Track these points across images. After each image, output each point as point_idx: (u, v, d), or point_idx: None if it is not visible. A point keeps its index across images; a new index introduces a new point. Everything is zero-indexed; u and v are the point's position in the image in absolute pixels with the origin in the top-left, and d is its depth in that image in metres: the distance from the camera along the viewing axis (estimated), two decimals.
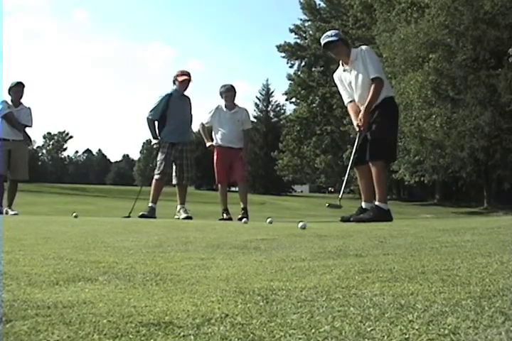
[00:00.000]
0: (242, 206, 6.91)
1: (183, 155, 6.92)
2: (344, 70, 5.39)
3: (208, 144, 7.17)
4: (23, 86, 7.88)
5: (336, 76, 5.54)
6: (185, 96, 7.13)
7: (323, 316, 1.13)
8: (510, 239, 2.48)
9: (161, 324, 1.08)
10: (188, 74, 7.11)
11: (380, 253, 2.21)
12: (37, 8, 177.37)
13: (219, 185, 7.11)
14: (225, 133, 7.00)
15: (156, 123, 7.01)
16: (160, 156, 6.89)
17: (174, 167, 6.94)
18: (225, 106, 7.15)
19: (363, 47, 5.45)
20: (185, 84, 7.04)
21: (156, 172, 6.86)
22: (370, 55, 5.26)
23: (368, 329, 1.02)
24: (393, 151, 5.47)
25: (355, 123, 5.28)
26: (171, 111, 6.90)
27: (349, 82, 5.33)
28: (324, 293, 1.40)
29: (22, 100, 7.86)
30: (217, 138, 7.08)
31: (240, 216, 6.69)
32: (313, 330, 1.03)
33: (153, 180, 6.93)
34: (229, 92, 7.18)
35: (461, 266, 1.75)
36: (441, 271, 1.66)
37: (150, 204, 6.82)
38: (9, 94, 7.79)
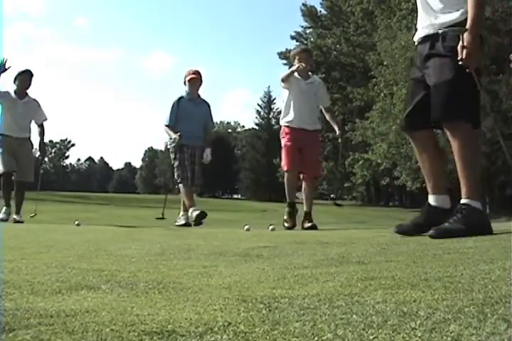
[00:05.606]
0: (305, 210, 5.76)
1: (194, 160, 6.53)
2: None
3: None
4: (32, 74, 7.18)
5: None
6: (200, 99, 6.71)
7: (326, 324, 1.13)
8: None
9: (164, 332, 1.08)
10: (196, 72, 6.63)
11: (383, 260, 2.20)
12: (37, 16, 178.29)
13: (285, 174, 5.76)
14: (299, 111, 5.60)
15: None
16: (176, 163, 6.48)
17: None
18: (298, 74, 5.68)
19: None
20: (194, 83, 6.53)
21: (178, 180, 6.46)
22: None
23: (371, 337, 1.02)
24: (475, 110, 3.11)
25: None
26: (180, 115, 6.47)
27: None
28: (327, 300, 1.39)
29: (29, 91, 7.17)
30: (288, 116, 5.72)
31: (308, 224, 5.64)
32: (316, 338, 1.02)
33: (180, 188, 6.52)
34: (304, 53, 5.78)
35: (464, 272, 1.74)
36: (444, 278, 1.65)
37: (182, 213, 6.62)
38: (14, 83, 7.11)
